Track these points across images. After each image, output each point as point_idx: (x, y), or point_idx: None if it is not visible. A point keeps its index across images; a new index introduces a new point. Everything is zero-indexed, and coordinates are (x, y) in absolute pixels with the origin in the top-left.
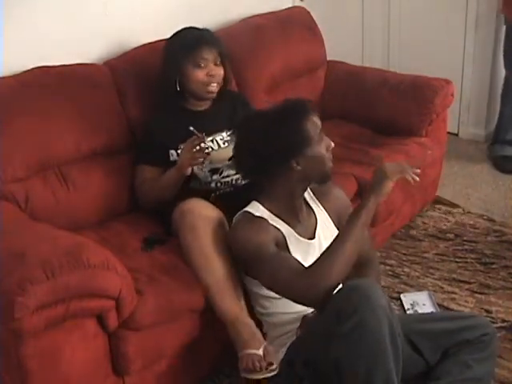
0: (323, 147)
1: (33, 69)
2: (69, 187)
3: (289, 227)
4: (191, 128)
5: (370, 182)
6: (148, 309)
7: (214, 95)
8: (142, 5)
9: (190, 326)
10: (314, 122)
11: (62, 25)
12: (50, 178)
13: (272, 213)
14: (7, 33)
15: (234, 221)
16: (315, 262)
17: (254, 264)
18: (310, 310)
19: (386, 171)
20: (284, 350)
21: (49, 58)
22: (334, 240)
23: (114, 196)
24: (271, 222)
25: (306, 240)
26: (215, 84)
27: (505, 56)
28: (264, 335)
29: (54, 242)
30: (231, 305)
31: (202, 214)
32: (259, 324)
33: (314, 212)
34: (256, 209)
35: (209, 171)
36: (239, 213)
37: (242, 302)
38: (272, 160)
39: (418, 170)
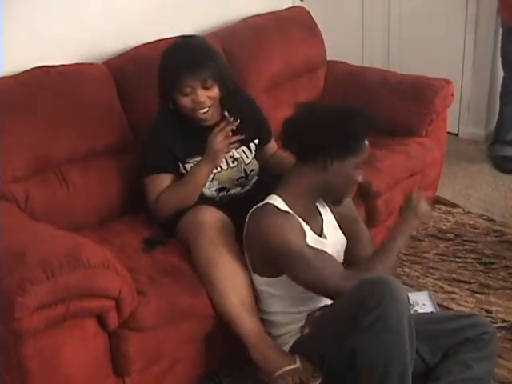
0: (356, 172)
1: (33, 69)
2: (69, 187)
3: (306, 224)
4: (226, 113)
5: (402, 218)
6: (150, 310)
7: (209, 120)
8: (141, 5)
9: (191, 327)
10: (367, 146)
11: (62, 25)
12: (49, 178)
13: (291, 208)
14: (7, 33)
15: (253, 214)
16: (357, 268)
17: (289, 261)
18: (314, 309)
19: (419, 212)
20: (286, 348)
21: (49, 58)
22: (373, 261)
23: (114, 196)
24: (295, 216)
25: (321, 239)
26: (205, 109)
27: (502, 58)
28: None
29: (53, 242)
30: (253, 323)
31: (218, 225)
32: (261, 323)
33: (319, 212)
34: (277, 201)
35: (215, 190)
36: (258, 206)
37: (258, 317)
38: (313, 147)
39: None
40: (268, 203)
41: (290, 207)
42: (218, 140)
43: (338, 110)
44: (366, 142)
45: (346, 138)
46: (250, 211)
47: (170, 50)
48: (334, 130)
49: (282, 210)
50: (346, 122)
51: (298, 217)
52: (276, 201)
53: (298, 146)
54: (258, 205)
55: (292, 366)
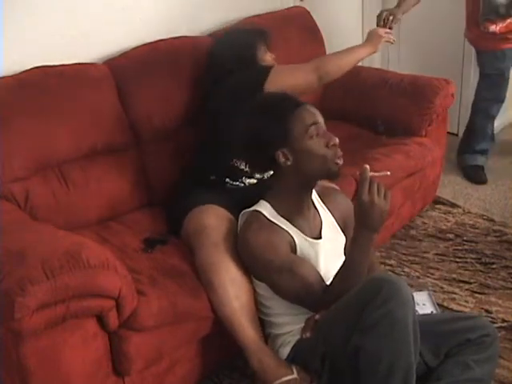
0: (319, 143)
1: (33, 69)
2: (69, 187)
3: (297, 229)
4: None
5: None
6: (150, 310)
7: None
8: (142, 5)
9: (192, 328)
10: (303, 117)
11: (62, 25)
12: (49, 178)
13: (280, 214)
14: (7, 33)
15: (242, 220)
16: (332, 283)
17: (269, 279)
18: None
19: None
20: (287, 349)
21: (49, 58)
22: (343, 269)
23: (114, 196)
24: (282, 225)
25: (314, 240)
26: None
27: (479, 68)
28: (265, 335)
29: (54, 242)
30: (253, 331)
31: (222, 229)
32: (261, 323)
33: (318, 213)
34: (265, 209)
35: None
36: (248, 211)
37: (259, 325)
38: (256, 152)
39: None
40: (255, 211)
41: (279, 212)
42: (381, 30)
43: (255, 108)
44: (301, 113)
45: (271, 129)
46: (241, 214)
47: (228, 40)
48: (258, 128)
49: (270, 220)
50: (262, 115)
51: (287, 223)
52: (265, 208)
53: (252, 165)
54: (247, 210)
55: (289, 377)
